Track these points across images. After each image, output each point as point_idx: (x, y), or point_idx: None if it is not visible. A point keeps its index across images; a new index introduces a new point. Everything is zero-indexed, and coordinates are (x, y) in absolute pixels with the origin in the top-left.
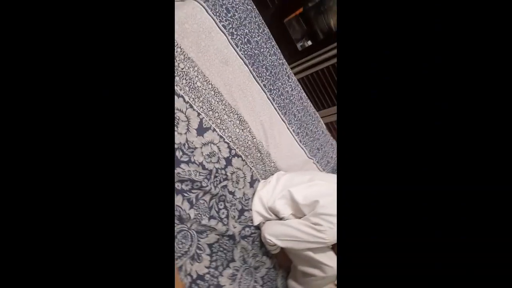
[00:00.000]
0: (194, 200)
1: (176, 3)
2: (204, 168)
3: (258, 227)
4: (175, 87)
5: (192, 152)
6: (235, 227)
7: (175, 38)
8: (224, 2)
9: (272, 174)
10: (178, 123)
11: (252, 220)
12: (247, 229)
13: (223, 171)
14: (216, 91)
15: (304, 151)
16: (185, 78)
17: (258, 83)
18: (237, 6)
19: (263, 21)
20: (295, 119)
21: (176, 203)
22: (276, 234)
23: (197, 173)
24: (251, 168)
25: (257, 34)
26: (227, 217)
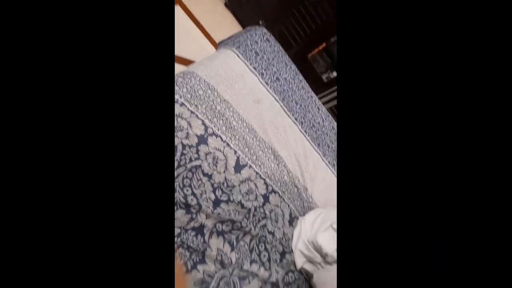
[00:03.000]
0: (234, 242)
1: (213, 53)
2: (243, 206)
3: (301, 272)
4: (213, 128)
5: (231, 190)
6: (278, 272)
7: (213, 84)
8: (253, 47)
9: (310, 210)
10: (217, 162)
11: (294, 263)
12: (290, 274)
13: (261, 209)
14: (250, 128)
15: None
16: (222, 119)
17: (289, 116)
18: (264, 49)
19: (289, 59)
20: (329, 150)
21: (217, 245)
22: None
23: (236, 213)
24: (288, 205)
25: (285, 72)
26: (268, 260)
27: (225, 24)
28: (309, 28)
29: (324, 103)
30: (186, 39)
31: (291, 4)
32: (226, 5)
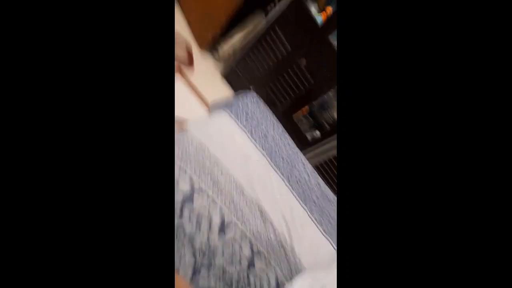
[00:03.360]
0: None
1: (206, 114)
2: (224, 272)
3: None
4: (200, 183)
5: (213, 253)
6: None
7: (204, 142)
8: (244, 109)
9: (298, 274)
10: (201, 220)
11: None
12: None
13: (245, 275)
14: (237, 184)
15: (330, 242)
16: (210, 174)
17: (276, 172)
18: (254, 110)
19: (277, 119)
20: (315, 205)
21: None
22: None
23: (217, 281)
24: (274, 269)
25: (272, 130)
26: None
27: (218, 90)
28: (294, 92)
29: (309, 159)
30: (178, 99)
31: (277, 72)
32: (223, 76)
